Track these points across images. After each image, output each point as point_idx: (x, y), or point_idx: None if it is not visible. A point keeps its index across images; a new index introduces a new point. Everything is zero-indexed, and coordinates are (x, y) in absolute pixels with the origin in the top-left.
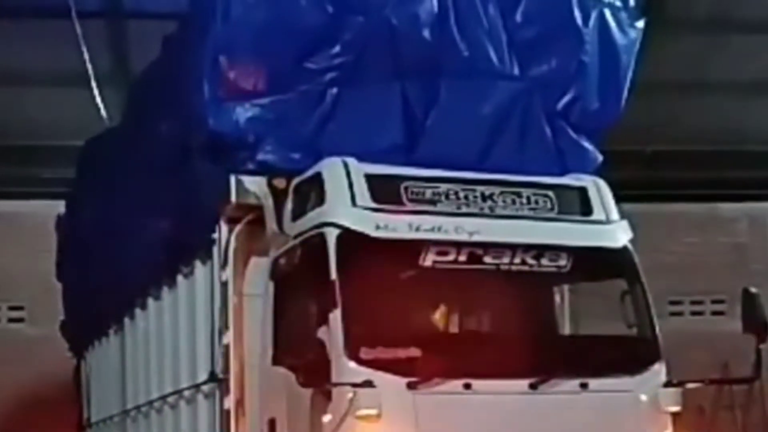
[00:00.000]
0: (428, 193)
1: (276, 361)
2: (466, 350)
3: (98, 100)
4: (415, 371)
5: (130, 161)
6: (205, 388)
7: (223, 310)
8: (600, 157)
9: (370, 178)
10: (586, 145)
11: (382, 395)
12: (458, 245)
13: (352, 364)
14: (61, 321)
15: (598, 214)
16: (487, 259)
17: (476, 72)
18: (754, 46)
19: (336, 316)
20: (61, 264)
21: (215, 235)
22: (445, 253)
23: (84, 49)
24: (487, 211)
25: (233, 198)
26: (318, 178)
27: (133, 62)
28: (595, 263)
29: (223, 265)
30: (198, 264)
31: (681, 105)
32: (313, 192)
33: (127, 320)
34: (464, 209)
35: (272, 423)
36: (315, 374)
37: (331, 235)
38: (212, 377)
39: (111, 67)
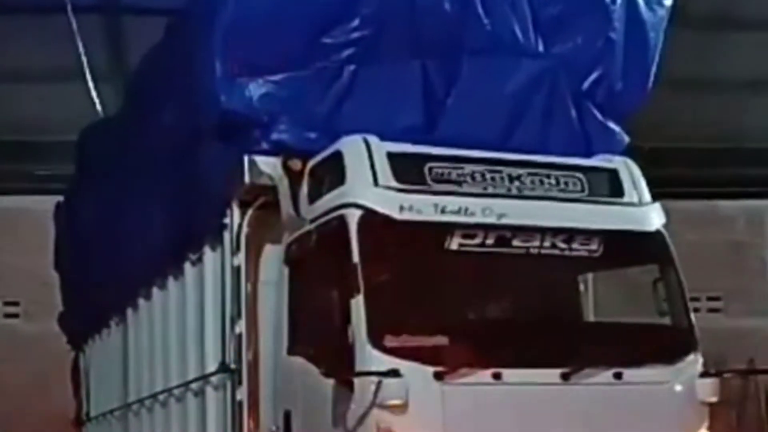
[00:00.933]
0: (453, 174)
1: (291, 350)
2: (495, 338)
3: (94, 95)
4: (442, 360)
5: (132, 148)
6: (214, 379)
7: (235, 298)
8: (626, 140)
9: (392, 157)
10: (612, 126)
11: (408, 385)
12: (486, 228)
13: (376, 353)
14: (59, 313)
15: (629, 196)
16: (516, 243)
17: (500, 49)
18: (753, 43)
19: (358, 301)
20: (60, 254)
21: (226, 220)
22: (472, 236)
23: (79, 44)
24: (514, 192)
25: (246, 179)
26: (337, 157)
27: (129, 57)
28: (627, 248)
29: (235, 250)
30: (207, 250)
31: (679, 102)
32: (331, 172)
33: (129, 311)
34: (491, 190)
35: (287, 415)
36: (336, 363)
37: (353, 216)
38: (223, 368)
39: (106, 63)
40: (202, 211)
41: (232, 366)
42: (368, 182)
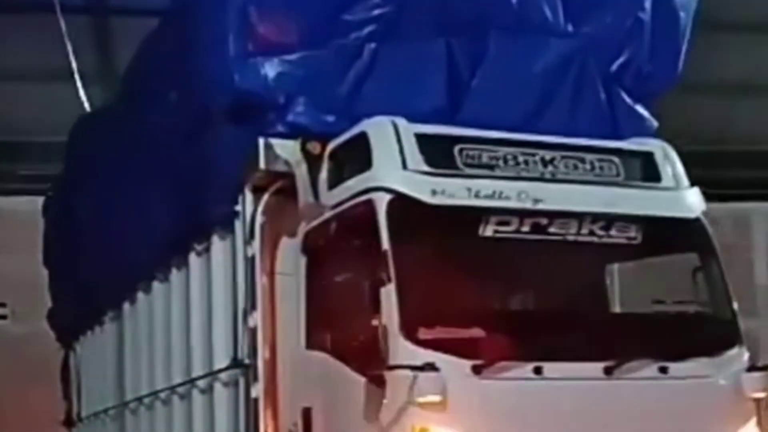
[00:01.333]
0: (484, 157)
1: (310, 344)
2: (535, 330)
3: (82, 95)
4: (480, 353)
5: (128, 138)
6: (224, 375)
7: (249, 290)
8: (655, 124)
9: (421, 139)
10: (641, 111)
11: (445, 380)
12: (521, 213)
13: (410, 345)
14: (48, 310)
15: (667, 181)
16: (552, 230)
17: (527, 27)
18: (740, 46)
19: (389, 291)
20: (49, 249)
21: (238, 207)
22: (506, 223)
23: (68, 45)
24: (548, 176)
25: (261, 164)
26: (362, 140)
27: (117, 59)
28: (667, 235)
29: (249, 239)
30: (215, 240)
31: (665, 104)
32: (355, 155)
33: (126, 306)
34: (524, 174)
35: (307, 412)
36: (363, 358)
37: (381, 201)
38: (235, 363)
39: (95, 64)
40: (211, 199)
41: (246, 361)
42: (397, 165)
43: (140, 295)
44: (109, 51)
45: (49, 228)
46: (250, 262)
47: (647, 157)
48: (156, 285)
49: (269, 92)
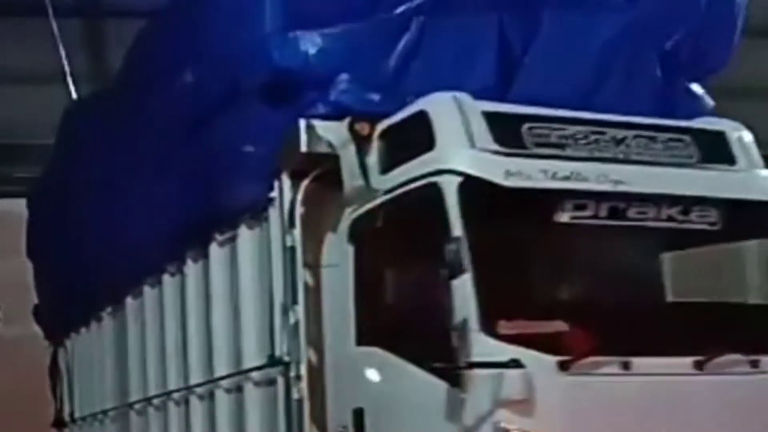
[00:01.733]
0: (554, 136)
1: (362, 340)
2: (620, 323)
3: (75, 98)
4: (564, 348)
5: (133, 125)
6: (256, 374)
7: (289, 283)
8: (712, 103)
9: (488, 117)
10: (697, 88)
11: (531, 377)
12: (599, 197)
13: (491, 341)
14: (34, 306)
15: (741, 162)
16: (631, 214)
17: (582, 2)
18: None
19: (464, 282)
20: (34, 240)
21: (273, 194)
22: (583, 207)
23: (60, 47)
24: (621, 157)
25: (303, 147)
26: (422, 118)
27: (110, 61)
28: (746, 219)
29: (289, 228)
30: (243, 229)
31: None
32: (413, 136)
33: (129, 300)
34: (596, 155)
35: (359, 413)
36: (430, 354)
37: (450, 184)
38: (273, 361)
39: (87, 66)
40: (239, 186)
41: (285, 359)
42: (464, 145)
43: (146, 290)
44: (101, 53)
45: (34, 219)
46: (289, 252)
47: (719, 137)
48: (166, 278)
49: (310, 69)
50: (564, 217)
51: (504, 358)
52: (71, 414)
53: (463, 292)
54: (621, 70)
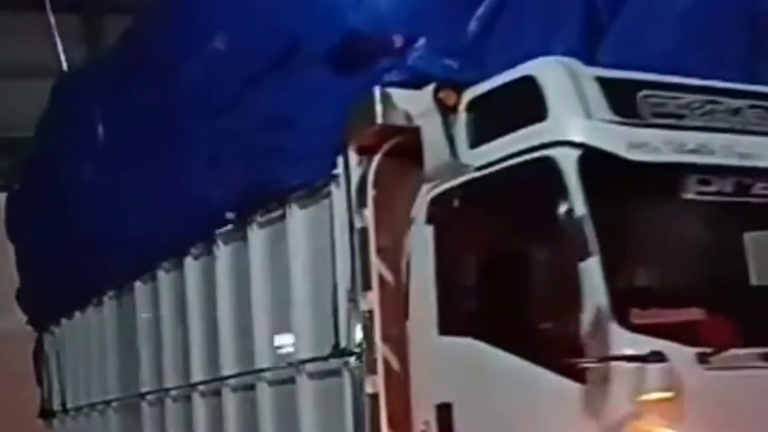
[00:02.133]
0: (670, 105)
1: (447, 329)
2: (759, 310)
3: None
4: (703, 339)
5: (148, 94)
6: (310, 366)
7: (359, 268)
8: None
9: (602, 83)
10: None
11: (673, 371)
12: (726, 171)
13: (627, 332)
14: (17, 289)
15: None
16: (756, 190)
17: None
18: None
19: (592, 267)
20: (18, 218)
21: (337, 170)
22: (708, 182)
23: (58, 42)
24: (738, 128)
25: (379, 118)
26: (528, 86)
27: None
28: None
29: (358, 208)
30: (294, 210)
31: None
32: (515, 105)
33: (138, 285)
34: (714, 125)
35: (445, 409)
36: (544, 345)
37: (568, 157)
38: (339, 352)
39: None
40: (291, 161)
41: (354, 349)
42: (580, 114)
43: (161, 274)
44: (98, 48)
45: (18, 195)
46: (359, 235)
47: None
48: (189, 261)
49: (385, 33)
50: (689, 194)
51: (643, 351)
52: (63, 404)
53: (593, 277)
54: (706, 35)
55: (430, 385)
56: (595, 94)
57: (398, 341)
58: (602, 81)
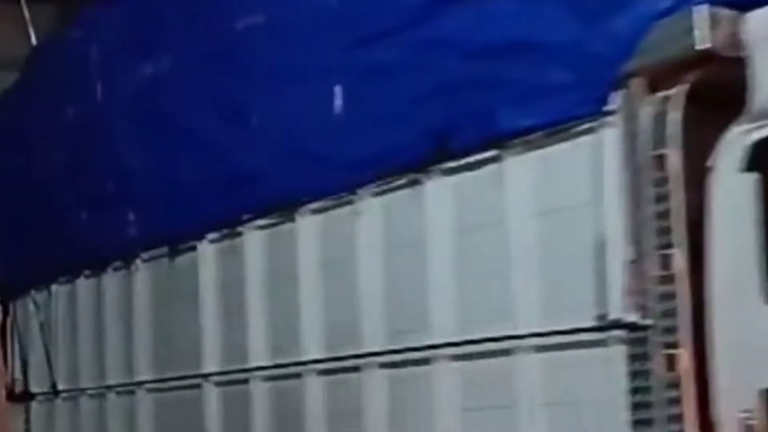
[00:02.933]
0: None
1: None
2: None
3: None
4: None
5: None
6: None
7: (656, 221)
8: None
9: None
10: None
11: None
12: None
13: None
14: None
15: None
16: None
17: None
18: None
19: None
20: None
21: (611, 106)
22: None
23: (31, 34)
24: None
25: (700, 42)
26: None
27: None
28: None
29: (654, 148)
30: (515, 156)
31: None
32: None
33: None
34: None
35: None
36: None
37: None
38: (609, 324)
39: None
40: (521, 96)
41: (644, 322)
42: None
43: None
44: None
45: None
46: (655, 184)
47: None
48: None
49: None
50: None
51: None
52: (53, 386)
53: None
54: None
55: (752, 365)
56: None
57: (704, 311)
58: None
